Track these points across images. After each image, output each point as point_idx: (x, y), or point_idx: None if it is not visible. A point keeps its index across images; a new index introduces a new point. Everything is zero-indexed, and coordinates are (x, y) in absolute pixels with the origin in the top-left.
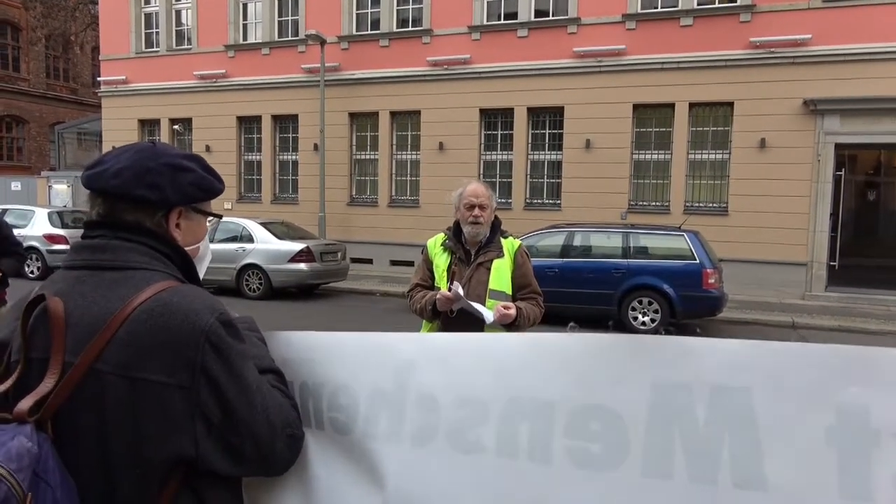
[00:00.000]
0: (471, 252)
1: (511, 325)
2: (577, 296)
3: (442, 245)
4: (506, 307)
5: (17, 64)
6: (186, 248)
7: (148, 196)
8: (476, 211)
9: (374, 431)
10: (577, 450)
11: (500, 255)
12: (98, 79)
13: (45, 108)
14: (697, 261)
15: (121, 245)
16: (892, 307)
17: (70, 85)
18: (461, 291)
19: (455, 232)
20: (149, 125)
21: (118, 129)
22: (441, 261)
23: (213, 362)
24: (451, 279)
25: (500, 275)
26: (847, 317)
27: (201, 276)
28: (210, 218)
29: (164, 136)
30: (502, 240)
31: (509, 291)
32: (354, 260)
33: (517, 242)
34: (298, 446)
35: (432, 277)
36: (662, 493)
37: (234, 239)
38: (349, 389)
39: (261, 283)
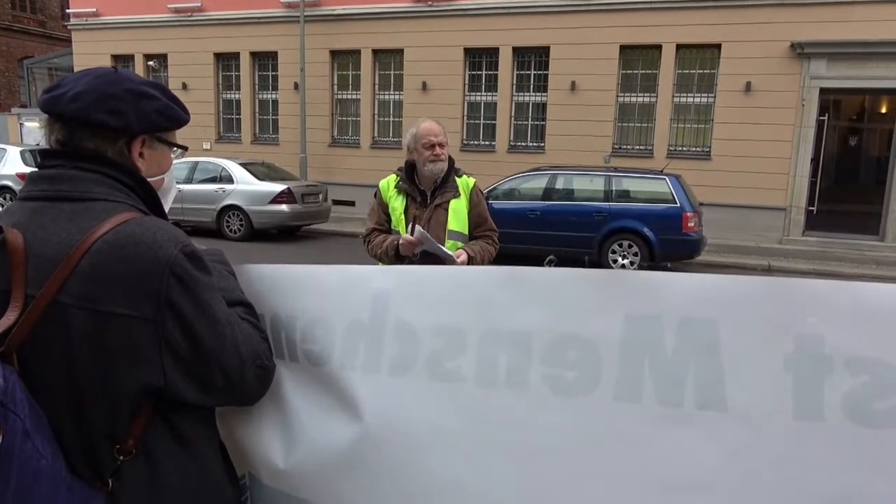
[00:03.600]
0: (426, 193)
1: None
2: (558, 238)
3: (396, 187)
4: (457, 255)
5: None
6: (150, 180)
7: (109, 122)
8: (437, 149)
9: (352, 362)
10: (554, 377)
11: (457, 194)
12: (67, 10)
13: (11, 42)
14: (678, 204)
15: (80, 175)
16: (866, 251)
17: (38, 17)
18: (425, 232)
19: (408, 173)
20: (123, 61)
21: (90, 65)
22: (397, 203)
23: (177, 295)
24: (410, 222)
25: (458, 215)
26: (822, 261)
27: (167, 209)
28: (175, 150)
29: (138, 73)
30: (457, 179)
31: (466, 231)
32: (336, 202)
33: (472, 181)
34: (269, 377)
35: (388, 220)
36: (632, 415)
37: (213, 180)
38: (324, 321)
39: (242, 225)
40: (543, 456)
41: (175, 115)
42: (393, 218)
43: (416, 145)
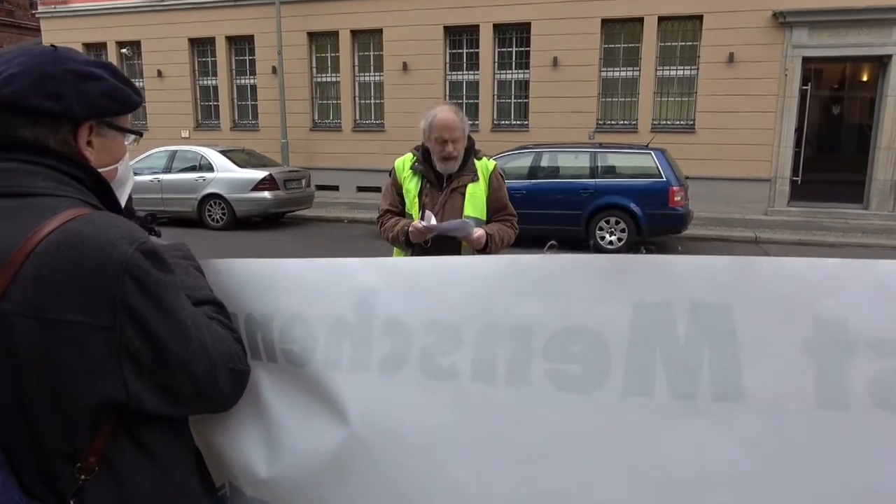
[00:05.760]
0: (442, 176)
1: (482, 249)
2: (545, 217)
3: (411, 168)
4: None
5: None
6: (102, 170)
7: (48, 107)
8: (448, 147)
9: (337, 361)
10: (558, 372)
11: (475, 178)
12: None
13: None
14: (664, 179)
15: (18, 168)
16: (850, 220)
17: (5, 6)
18: (434, 222)
19: (424, 154)
20: (94, 49)
21: None
22: (411, 185)
23: (135, 298)
24: (422, 208)
25: (475, 200)
26: (808, 231)
27: (123, 201)
28: (130, 136)
29: (111, 61)
30: (476, 161)
31: (484, 217)
32: (320, 187)
33: (492, 164)
34: (243, 381)
35: (402, 202)
36: (644, 410)
37: (193, 168)
38: (304, 320)
39: (224, 214)
40: (549, 456)
41: (124, 98)
42: (407, 200)
43: (429, 136)
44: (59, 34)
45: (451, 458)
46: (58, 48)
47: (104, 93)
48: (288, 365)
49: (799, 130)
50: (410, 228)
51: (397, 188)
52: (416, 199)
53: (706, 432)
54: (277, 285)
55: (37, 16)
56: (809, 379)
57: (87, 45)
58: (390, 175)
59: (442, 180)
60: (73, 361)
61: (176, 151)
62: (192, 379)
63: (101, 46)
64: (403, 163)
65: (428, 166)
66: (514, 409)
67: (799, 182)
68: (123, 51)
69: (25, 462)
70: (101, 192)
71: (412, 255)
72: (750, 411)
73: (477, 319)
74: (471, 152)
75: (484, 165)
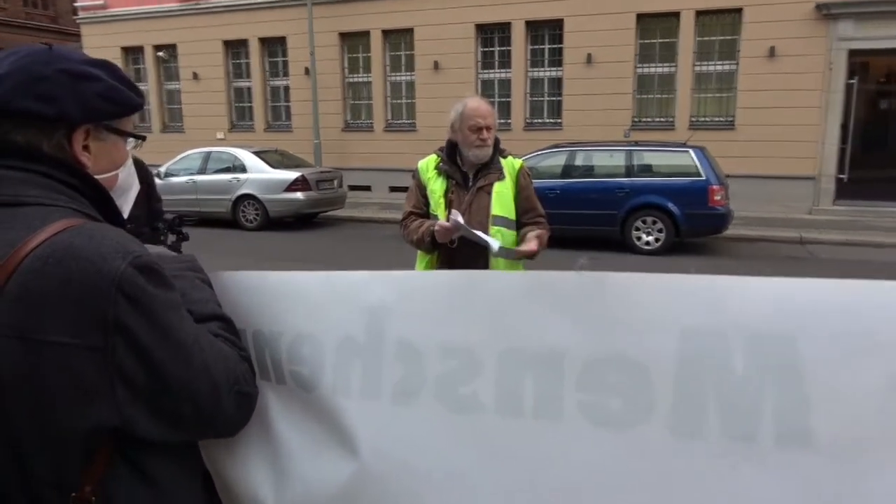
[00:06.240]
0: (468, 175)
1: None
2: (579, 217)
3: (436, 168)
4: (527, 245)
5: None
6: (100, 177)
7: (40, 110)
8: (484, 133)
9: (346, 387)
10: (593, 405)
11: (501, 176)
12: (75, 4)
13: (26, 39)
14: (703, 177)
15: (7, 175)
16: None
17: (49, 13)
18: (461, 220)
19: (449, 153)
20: (132, 53)
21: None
22: (436, 186)
23: (129, 316)
24: (448, 206)
25: (503, 199)
26: (855, 230)
27: (126, 210)
28: (132, 140)
29: (149, 65)
30: (501, 160)
31: (513, 217)
32: (352, 187)
33: (519, 162)
34: (250, 404)
35: (427, 203)
36: (693, 451)
37: (227, 170)
38: (312, 338)
39: (257, 214)
40: (581, 499)
41: (123, 99)
42: (432, 201)
43: (460, 125)
44: (98, 38)
45: (471, 499)
46: (53, 47)
47: (101, 94)
48: (297, 388)
49: (844, 126)
50: (436, 227)
51: (421, 189)
52: (442, 199)
53: (768, 480)
54: (286, 300)
55: (77, 21)
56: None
57: (125, 49)
58: (413, 177)
59: (468, 180)
60: (61, 385)
61: (210, 153)
62: (193, 402)
63: (139, 50)
64: (427, 164)
65: (454, 166)
66: (542, 446)
67: (845, 180)
68: (160, 54)
69: (14, 495)
70: (98, 200)
71: (438, 256)
72: (819, 458)
73: (499, 343)
74: (496, 151)
75: (510, 164)
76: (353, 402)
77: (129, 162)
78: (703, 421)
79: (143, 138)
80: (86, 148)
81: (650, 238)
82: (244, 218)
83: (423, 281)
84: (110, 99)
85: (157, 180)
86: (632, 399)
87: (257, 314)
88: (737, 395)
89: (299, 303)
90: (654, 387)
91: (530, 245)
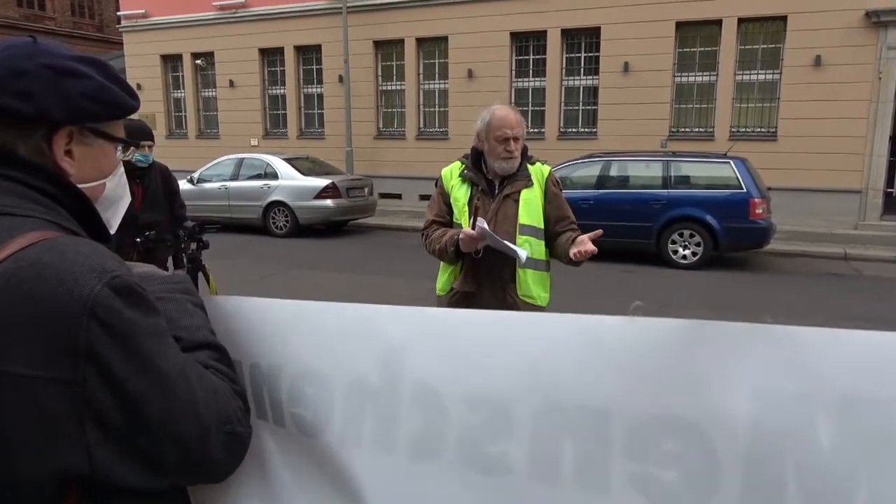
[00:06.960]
0: (494, 183)
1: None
2: (613, 229)
3: (460, 176)
4: (578, 253)
5: (41, 2)
6: (84, 186)
7: (16, 107)
8: (511, 145)
9: (356, 435)
10: (645, 478)
11: (529, 184)
12: (118, 13)
13: (74, 48)
14: (744, 190)
15: None
16: None
17: (95, 22)
18: (486, 227)
19: (474, 160)
20: (171, 61)
21: (141, 66)
22: (460, 193)
23: (103, 344)
24: (473, 214)
25: (531, 207)
26: None
27: (114, 223)
28: (121, 147)
29: (187, 72)
30: (529, 166)
31: (541, 226)
32: (383, 195)
33: (547, 169)
34: (242, 446)
35: (450, 212)
36: None
37: (259, 176)
38: (318, 377)
39: (287, 221)
40: None
41: (113, 100)
42: (455, 209)
43: (487, 135)
44: (139, 47)
45: None
46: (38, 41)
47: (88, 94)
48: (298, 433)
49: (893, 138)
50: (461, 235)
51: (444, 197)
52: (466, 207)
53: None
54: (289, 331)
55: (120, 29)
56: None
57: (164, 57)
58: (437, 185)
59: (494, 187)
60: (20, 424)
61: (243, 159)
62: (176, 443)
63: (178, 58)
64: (451, 171)
65: (479, 173)
66: None
67: (893, 194)
68: (198, 62)
69: None
70: (81, 212)
71: (462, 267)
72: None
73: (535, 396)
74: (524, 157)
75: (538, 170)
76: (363, 454)
77: (120, 171)
78: (782, 502)
79: (136, 145)
80: (68, 153)
81: (687, 252)
82: (274, 224)
83: (447, 317)
84: (98, 99)
85: (189, 185)
86: (692, 473)
87: (255, 345)
88: (825, 473)
89: (304, 335)
90: (719, 459)
91: (587, 246)
